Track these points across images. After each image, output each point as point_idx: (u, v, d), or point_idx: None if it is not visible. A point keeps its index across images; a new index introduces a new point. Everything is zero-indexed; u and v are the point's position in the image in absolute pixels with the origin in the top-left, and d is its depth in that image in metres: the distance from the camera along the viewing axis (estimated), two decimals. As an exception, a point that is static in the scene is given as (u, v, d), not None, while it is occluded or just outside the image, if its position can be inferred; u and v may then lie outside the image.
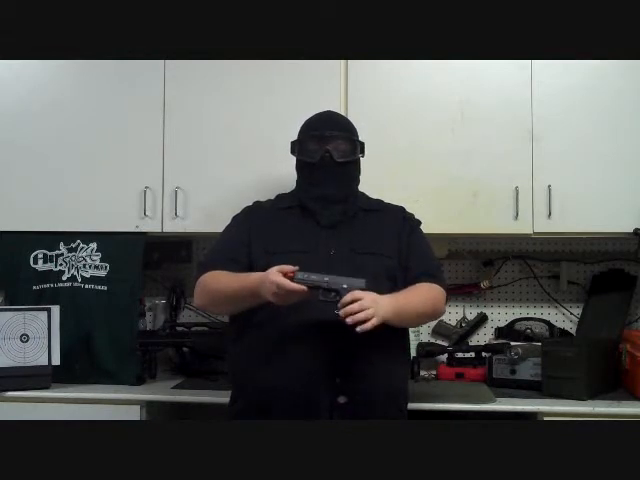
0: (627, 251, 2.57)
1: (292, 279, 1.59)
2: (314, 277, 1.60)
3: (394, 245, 1.84)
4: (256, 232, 1.83)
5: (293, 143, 1.90)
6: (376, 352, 1.71)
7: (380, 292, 1.67)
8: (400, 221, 1.91)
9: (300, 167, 1.90)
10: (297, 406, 1.67)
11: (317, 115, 1.90)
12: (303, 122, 1.91)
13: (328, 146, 1.82)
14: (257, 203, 1.96)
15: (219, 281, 1.75)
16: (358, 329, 1.56)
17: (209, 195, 2.35)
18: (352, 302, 1.57)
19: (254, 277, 1.67)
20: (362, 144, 1.90)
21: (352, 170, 1.88)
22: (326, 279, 1.60)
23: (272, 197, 1.98)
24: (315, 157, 1.83)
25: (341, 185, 1.84)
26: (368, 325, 1.56)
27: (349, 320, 1.55)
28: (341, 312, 1.56)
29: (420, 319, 1.89)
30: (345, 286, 1.60)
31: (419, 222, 1.95)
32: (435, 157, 2.31)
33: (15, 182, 2.40)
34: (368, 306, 1.57)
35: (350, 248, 1.79)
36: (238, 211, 1.95)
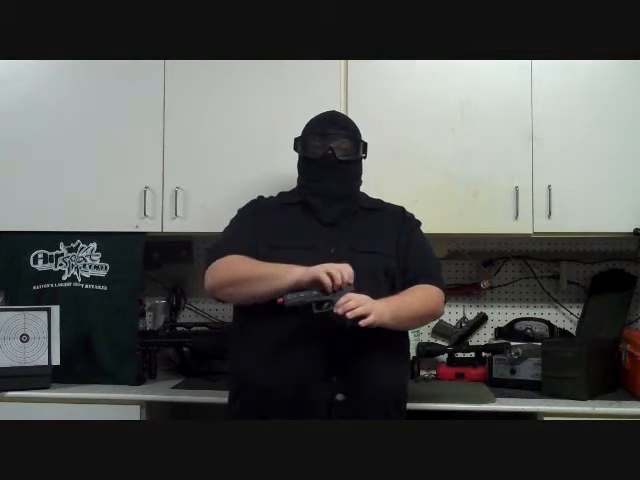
0: (627, 251, 2.57)
1: (282, 304, 1.60)
2: (303, 295, 1.61)
3: (393, 245, 1.84)
4: (261, 225, 1.83)
5: (296, 140, 1.91)
6: (375, 352, 1.72)
7: (379, 291, 1.68)
8: (400, 221, 1.91)
9: (302, 164, 1.90)
10: (295, 405, 1.68)
11: (322, 114, 1.92)
12: (307, 121, 1.92)
13: (331, 144, 1.82)
14: (261, 198, 1.96)
15: (246, 261, 1.73)
16: (361, 323, 1.57)
17: (209, 195, 2.35)
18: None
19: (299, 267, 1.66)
20: (365, 144, 1.91)
21: (354, 169, 1.89)
22: (315, 293, 1.62)
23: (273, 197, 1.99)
24: (318, 154, 1.83)
25: (342, 183, 1.84)
26: (370, 319, 1.57)
27: (349, 315, 1.56)
28: (339, 309, 1.57)
29: (417, 322, 1.88)
30: (335, 293, 1.61)
31: (419, 222, 1.95)
32: (435, 157, 2.31)
33: (15, 182, 2.40)
34: (364, 302, 1.59)
35: (350, 247, 1.79)
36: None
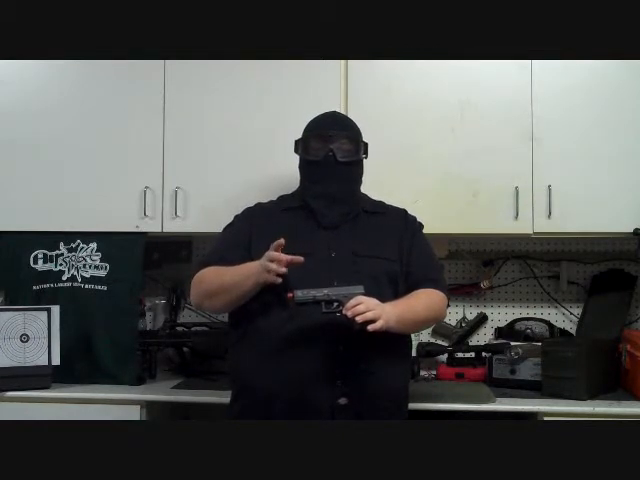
0: (627, 251, 2.57)
1: (292, 300, 1.60)
2: (313, 292, 1.62)
3: (396, 248, 1.84)
4: (257, 233, 1.82)
5: (297, 142, 1.91)
6: (378, 354, 1.72)
7: (381, 295, 1.68)
8: (402, 224, 1.91)
9: (303, 165, 1.90)
10: (297, 407, 1.67)
11: (322, 115, 1.91)
12: (307, 122, 1.91)
13: (332, 145, 1.82)
14: (259, 204, 1.96)
15: (213, 273, 1.77)
16: (369, 327, 1.56)
17: (209, 195, 2.34)
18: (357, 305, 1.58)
19: (253, 263, 1.69)
20: (366, 145, 1.90)
21: (355, 170, 1.88)
22: (325, 291, 1.62)
23: (272, 197, 1.98)
24: (318, 155, 1.83)
25: (343, 184, 1.84)
26: (378, 324, 1.57)
27: (359, 319, 1.56)
28: (349, 312, 1.57)
29: (421, 326, 1.90)
30: (345, 294, 1.62)
31: (421, 225, 1.95)
32: (435, 157, 2.30)
33: (15, 182, 2.40)
34: (374, 307, 1.59)
35: (351, 251, 1.79)
36: (238, 211, 1.95)
